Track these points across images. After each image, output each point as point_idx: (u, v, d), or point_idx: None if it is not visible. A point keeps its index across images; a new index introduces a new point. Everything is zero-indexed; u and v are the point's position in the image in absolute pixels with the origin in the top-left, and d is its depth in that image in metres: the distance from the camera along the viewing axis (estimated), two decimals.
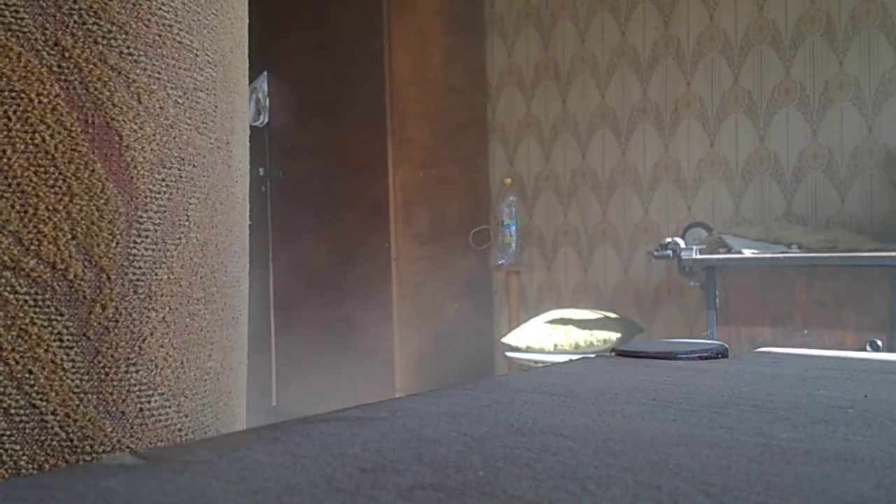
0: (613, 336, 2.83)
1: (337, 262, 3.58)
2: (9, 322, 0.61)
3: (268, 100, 3.84)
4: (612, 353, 0.98)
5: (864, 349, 2.15)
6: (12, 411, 0.61)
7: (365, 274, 3.46)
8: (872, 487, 0.39)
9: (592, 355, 1.16)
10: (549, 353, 2.86)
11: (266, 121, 3.85)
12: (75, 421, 0.63)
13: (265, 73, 3.80)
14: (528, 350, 2.93)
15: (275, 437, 0.50)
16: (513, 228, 3.42)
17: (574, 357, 1.15)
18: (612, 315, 3.02)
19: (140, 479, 0.40)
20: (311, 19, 3.68)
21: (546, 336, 2.90)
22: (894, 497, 0.38)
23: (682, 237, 2.85)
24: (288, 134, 3.80)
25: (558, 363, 0.96)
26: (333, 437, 0.50)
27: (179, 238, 0.69)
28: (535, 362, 2.87)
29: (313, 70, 3.68)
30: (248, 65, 0.88)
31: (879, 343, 2.16)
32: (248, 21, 0.86)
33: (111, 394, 0.64)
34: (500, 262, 3.48)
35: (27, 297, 0.62)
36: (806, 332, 2.31)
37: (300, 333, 3.70)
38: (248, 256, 0.91)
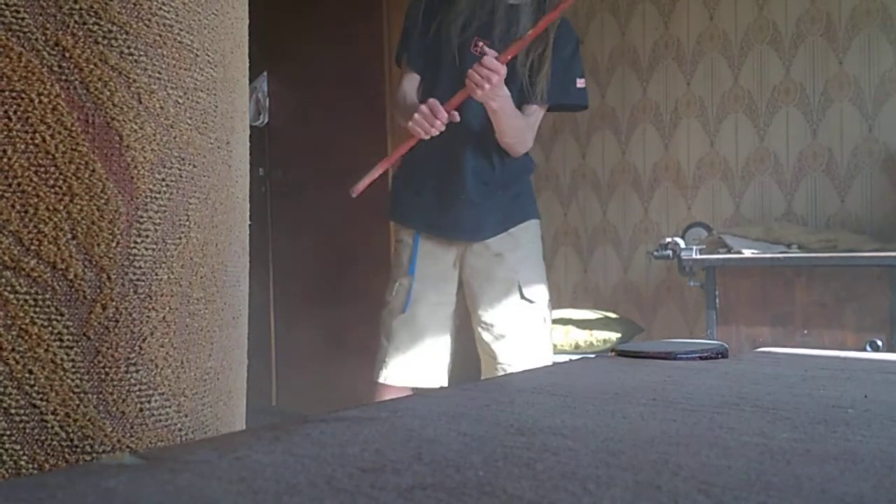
0: (613, 336, 2.83)
1: (337, 262, 3.58)
2: (9, 322, 0.61)
3: (268, 100, 3.84)
4: (612, 353, 0.98)
5: (864, 349, 2.15)
6: (12, 411, 0.61)
7: (365, 274, 3.46)
8: (872, 487, 0.39)
9: (592, 355, 1.16)
10: None
11: (266, 121, 3.85)
12: (75, 421, 0.63)
13: (265, 73, 3.80)
14: None
15: (275, 437, 0.50)
16: None
17: (574, 357, 1.16)
18: (612, 315, 3.02)
19: (140, 479, 0.40)
20: (312, 19, 3.68)
21: None
22: (894, 497, 0.38)
23: (682, 237, 2.85)
24: (288, 134, 3.79)
25: (558, 363, 0.96)
26: (333, 437, 0.50)
27: (180, 238, 0.69)
28: None
29: (313, 70, 3.67)
30: (248, 65, 0.88)
31: (879, 343, 2.16)
32: (248, 21, 0.86)
33: (111, 394, 0.64)
34: None
35: (27, 297, 0.62)
36: (806, 332, 2.31)
37: (300, 333, 3.70)
38: (248, 256, 0.91)
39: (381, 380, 2.19)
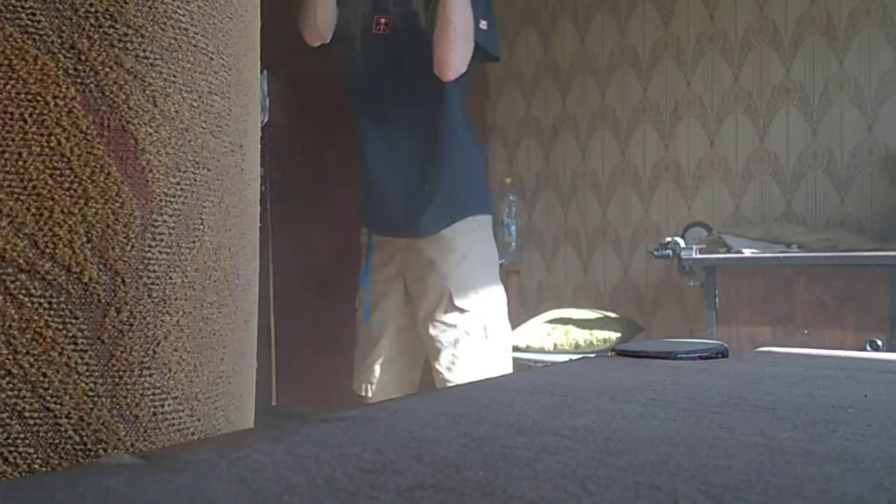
0: (613, 336, 2.83)
1: (337, 262, 3.58)
2: (24, 325, 0.61)
3: (268, 99, 3.84)
4: (612, 353, 0.98)
5: (864, 349, 2.15)
6: (26, 414, 0.61)
7: None
8: (872, 487, 0.40)
9: (592, 355, 1.17)
10: (549, 353, 2.86)
11: (266, 121, 3.85)
12: (89, 424, 0.62)
13: (265, 72, 3.80)
14: (528, 350, 2.93)
15: (275, 437, 0.50)
16: (513, 228, 3.42)
17: (574, 357, 1.16)
18: (612, 315, 3.02)
19: (140, 479, 0.40)
20: None
21: (546, 336, 2.90)
22: (894, 497, 0.38)
23: (682, 237, 2.85)
24: (288, 134, 3.79)
25: (558, 363, 0.96)
26: (333, 437, 0.50)
27: (193, 241, 0.69)
28: (535, 362, 2.87)
29: (313, 70, 3.67)
30: (259, 67, 0.87)
31: (879, 343, 2.16)
32: (259, 23, 0.86)
33: (125, 397, 0.64)
34: (500, 262, 3.47)
35: (42, 300, 0.62)
36: (806, 332, 2.31)
37: (300, 333, 3.70)
38: (258, 259, 0.91)
39: (353, 388, 2.22)
